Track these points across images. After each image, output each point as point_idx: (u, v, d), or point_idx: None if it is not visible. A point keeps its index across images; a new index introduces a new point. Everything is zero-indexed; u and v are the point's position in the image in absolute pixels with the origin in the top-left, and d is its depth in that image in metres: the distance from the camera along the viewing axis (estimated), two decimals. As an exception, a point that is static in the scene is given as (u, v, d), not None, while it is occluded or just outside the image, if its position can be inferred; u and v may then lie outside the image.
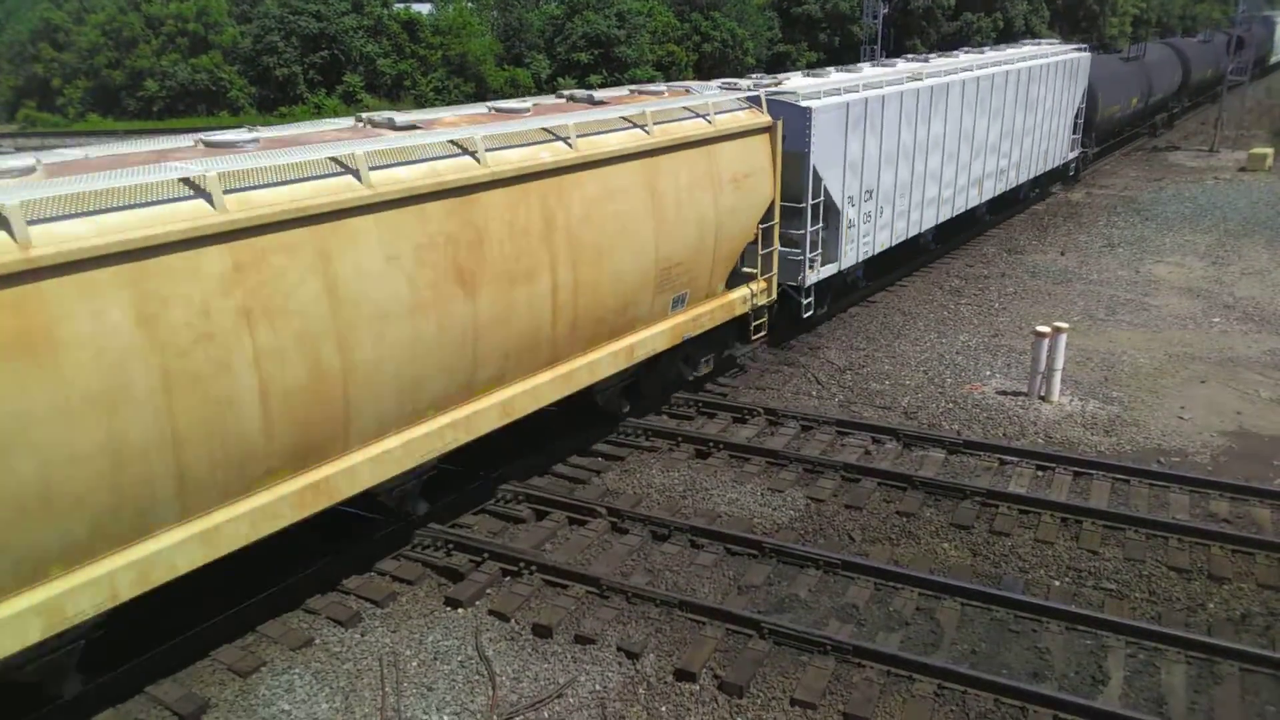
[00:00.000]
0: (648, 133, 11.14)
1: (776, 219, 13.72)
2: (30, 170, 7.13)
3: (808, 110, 14.31)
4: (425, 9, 54.65)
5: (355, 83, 48.65)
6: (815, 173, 14.69)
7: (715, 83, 14.48)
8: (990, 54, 23.72)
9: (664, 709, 7.76)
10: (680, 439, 12.44)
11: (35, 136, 45.40)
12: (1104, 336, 16.19)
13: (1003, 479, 11.34)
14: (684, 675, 8.06)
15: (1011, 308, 17.87)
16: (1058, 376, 13.41)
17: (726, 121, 12.45)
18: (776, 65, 52.11)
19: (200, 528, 7.49)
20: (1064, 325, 13.35)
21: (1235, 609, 8.89)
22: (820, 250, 15.43)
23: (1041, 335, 13.25)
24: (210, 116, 48.31)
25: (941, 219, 19.86)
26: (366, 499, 9.07)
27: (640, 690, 7.96)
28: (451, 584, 9.43)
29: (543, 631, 8.66)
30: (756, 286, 13.79)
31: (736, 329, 14.03)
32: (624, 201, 10.83)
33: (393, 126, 9.49)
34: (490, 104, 11.36)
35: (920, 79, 17.90)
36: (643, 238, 11.18)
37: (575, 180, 10.16)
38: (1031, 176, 24.95)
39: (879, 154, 16.42)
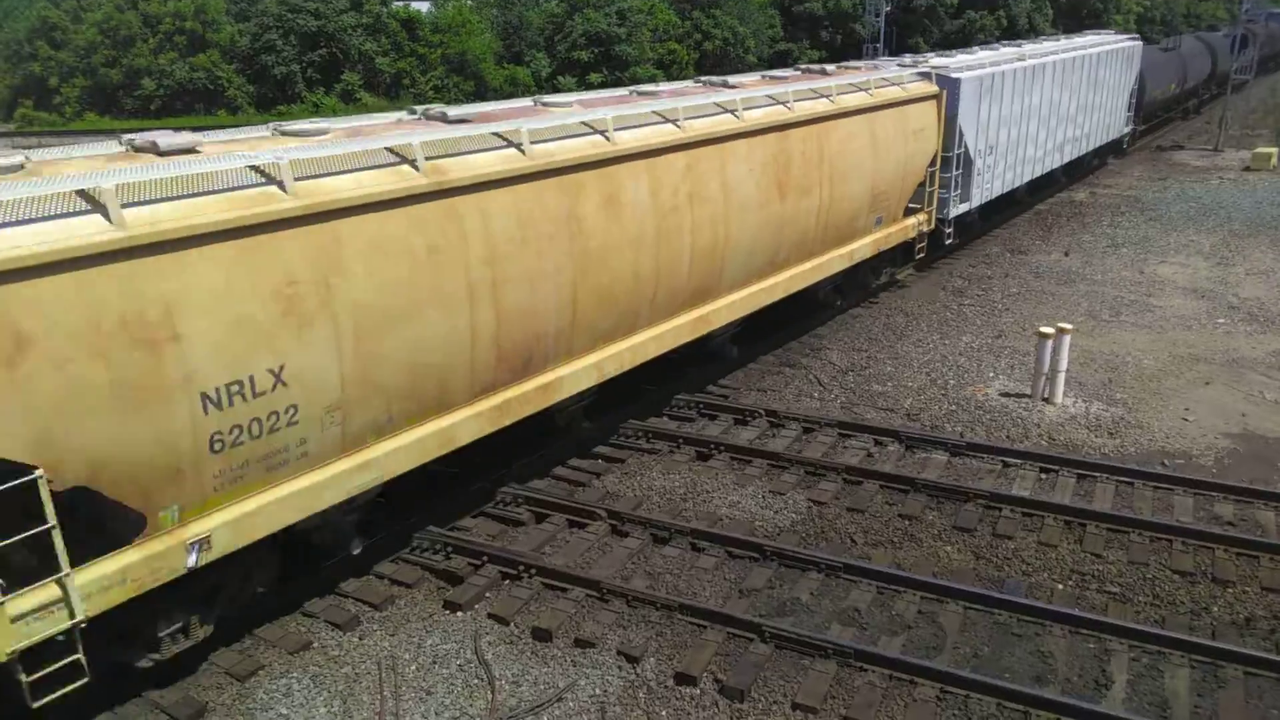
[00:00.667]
0: (870, 95, 15.55)
1: (938, 165, 18.00)
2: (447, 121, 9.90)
3: (958, 81, 18.60)
4: (424, 7, 54.53)
5: (354, 81, 48.58)
6: (960, 130, 18.91)
7: (894, 60, 20.18)
8: (1063, 41, 29.23)
9: (664, 713, 7.70)
10: (681, 441, 12.38)
11: (32, 136, 45.33)
12: (1108, 338, 16.12)
13: (1006, 482, 11.27)
14: (685, 679, 8.00)
15: (1015, 308, 17.80)
16: (1061, 378, 13.34)
17: (914, 89, 17.18)
18: (778, 63, 52.01)
19: (655, 332, 11.84)
20: (1068, 326, 13.28)
21: (1239, 612, 8.83)
22: (959, 190, 19.63)
23: (1045, 336, 13.18)
24: (208, 115, 48.25)
25: (1035, 175, 24.49)
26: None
27: (640, 694, 7.90)
28: (450, 587, 9.37)
29: (542, 635, 8.60)
30: (922, 217, 18.18)
31: (901, 253, 18.46)
32: (857, 143, 15.14)
33: (727, 85, 13.92)
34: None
35: (1024, 60, 22.21)
36: (865, 169, 15.56)
37: (834, 125, 14.49)
38: (1095, 147, 29.55)
39: (999, 117, 20.75)
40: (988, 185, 21.06)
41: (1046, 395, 13.42)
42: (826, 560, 9.46)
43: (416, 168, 8.47)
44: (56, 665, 6.57)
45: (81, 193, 6.57)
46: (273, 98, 49.14)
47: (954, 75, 18.58)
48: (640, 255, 10.94)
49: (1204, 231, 23.34)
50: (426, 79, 49.64)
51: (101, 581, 6.82)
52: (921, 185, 17.78)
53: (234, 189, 7.28)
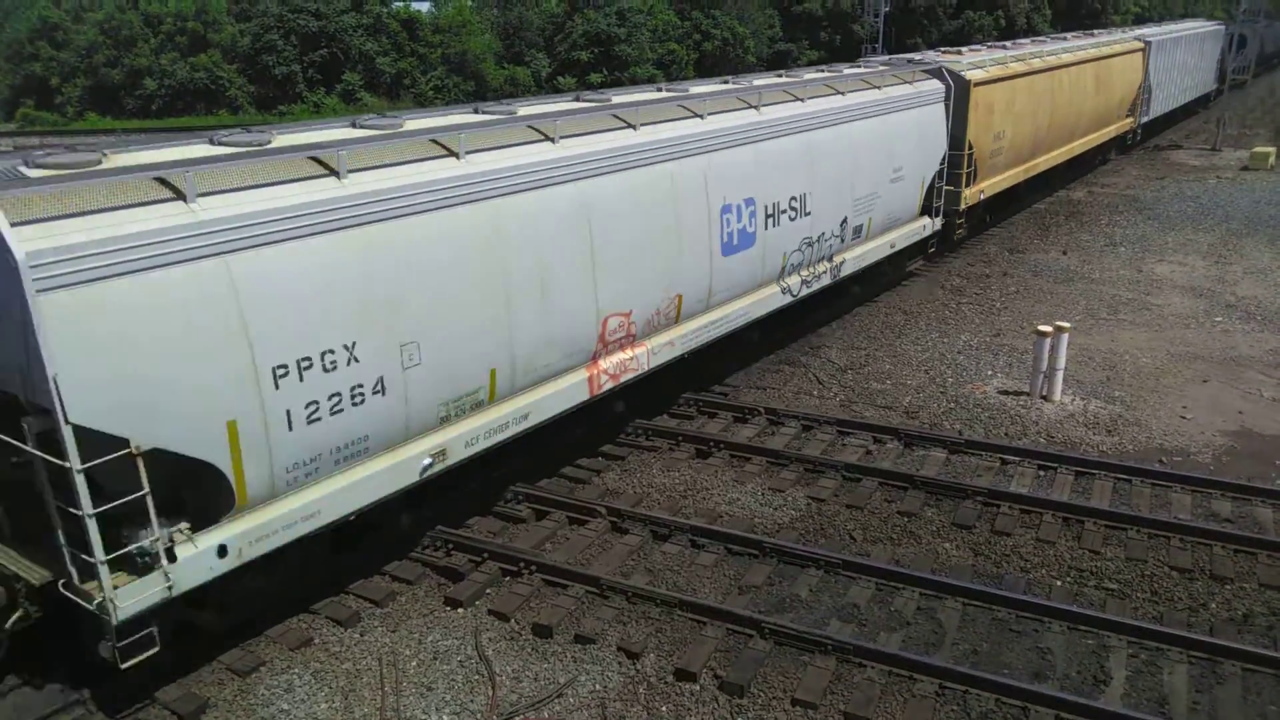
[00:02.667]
0: (1100, 49, 28.58)
1: (1140, 90, 32.30)
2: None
3: (1151, 44, 33.23)
4: (425, 7, 54.58)
5: (354, 81, 48.62)
6: (1149, 73, 33.68)
7: (1105, 32, 35.36)
8: (1176, 25, 45.85)
9: (664, 709, 7.73)
10: (681, 438, 12.41)
11: (34, 135, 45.36)
12: (1106, 336, 16.16)
13: (1004, 479, 11.31)
14: (684, 675, 8.03)
15: (1013, 307, 17.84)
16: (1059, 376, 13.38)
17: (1119, 47, 30.76)
18: (777, 63, 52.04)
19: (1058, 152, 27.11)
20: (1066, 324, 13.32)
21: (1237, 609, 8.86)
22: (1146, 108, 33.62)
23: (1043, 334, 13.22)
24: (209, 115, 48.30)
25: (1182, 103, 41.45)
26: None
27: (640, 690, 7.94)
28: (451, 584, 9.40)
29: (543, 631, 8.64)
30: (1129, 120, 33.03)
31: (1116, 145, 34.22)
32: (1111, 71, 29.29)
33: (1064, 39, 30.55)
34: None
35: (1187, 31, 40.07)
36: (1115, 86, 30.29)
37: (1104, 64, 28.51)
38: (1190, 99, 43.05)
39: (1172, 65, 38.50)
40: (1159, 105, 36.19)
41: (1045, 393, 13.46)
42: (826, 557, 9.49)
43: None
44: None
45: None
46: (274, 98, 49.20)
47: (1150, 39, 33.23)
48: (1055, 112, 24.73)
49: (1202, 230, 23.38)
50: (427, 79, 49.68)
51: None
52: (1134, 101, 33.00)
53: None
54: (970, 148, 19.73)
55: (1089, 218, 25.22)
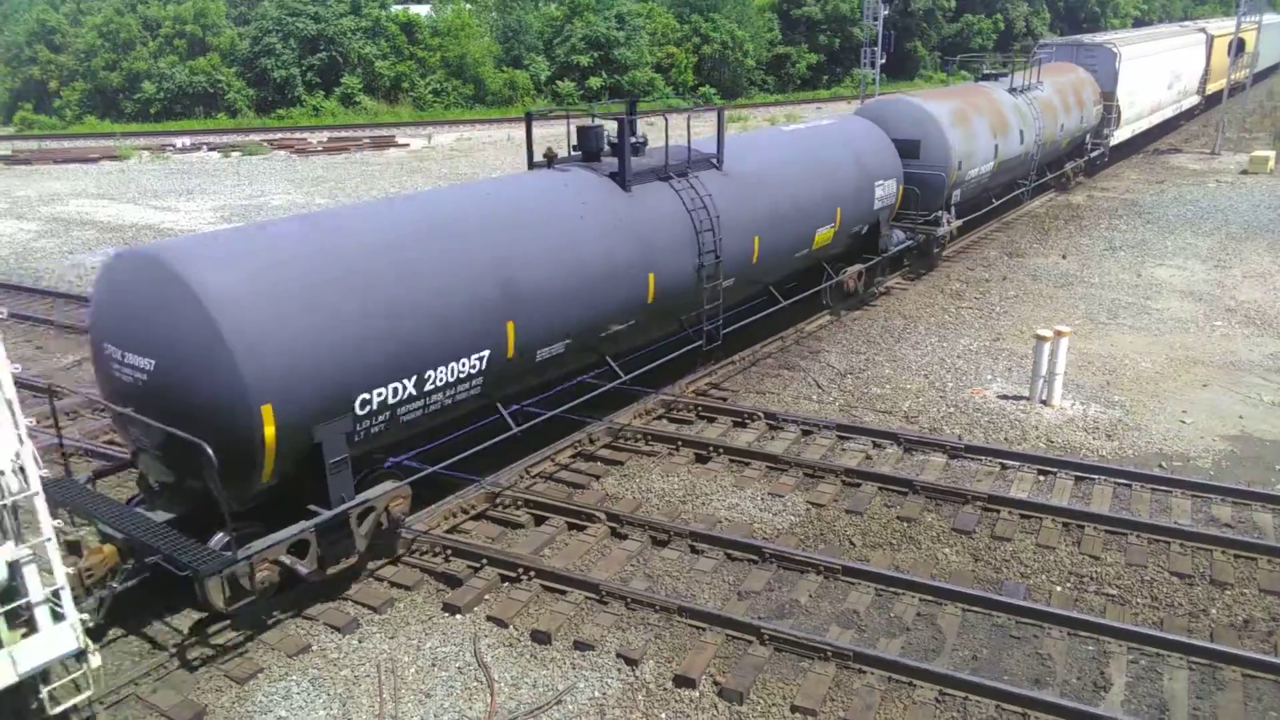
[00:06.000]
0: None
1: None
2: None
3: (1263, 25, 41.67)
4: (424, 10, 54.55)
5: (353, 84, 48.62)
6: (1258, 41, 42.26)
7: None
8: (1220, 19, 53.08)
9: (664, 715, 7.71)
10: (680, 443, 12.39)
11: (32, 139, 45.33)
12: (1105, 340, 16.15)
13: (1004, 484, 11.29)
14: (684, 682, 8.01)
15: (1013, 311, 17.84)
16: (1059, 380, 13.37)
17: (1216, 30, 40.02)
18: (777, 67, 52.07)
19: None
20: (1065, 329, 13.31)
21: (1238, 614, 8.84)
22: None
23: (1043, 339, 13.21)
24: (208, 118, 48.29)
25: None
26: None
27: (640, 697, 7.91)
28: (450, 590, 9.37)
29: (541, 637, 8.61)
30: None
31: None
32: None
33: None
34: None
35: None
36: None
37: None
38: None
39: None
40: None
41: (1044, 397, 13.45)
42: (825, 562, 9.47)
43: None
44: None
45: None
46: (272, 101, 49.20)
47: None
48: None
49: (1201, 235, 23.39)
50: (425, 82, 49.67)
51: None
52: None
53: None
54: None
55: (1088, 222, 25.23)
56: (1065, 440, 12.44)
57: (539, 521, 10.62)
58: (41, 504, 6.43)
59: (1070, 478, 11.32)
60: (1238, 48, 41.28)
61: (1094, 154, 29.75)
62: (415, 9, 53.83)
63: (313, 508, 8.60)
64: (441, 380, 9.28)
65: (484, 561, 9.64)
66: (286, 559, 8.34)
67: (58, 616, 6.54)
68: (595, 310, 11.04)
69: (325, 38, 48.42)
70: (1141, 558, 9.68)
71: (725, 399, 13.89)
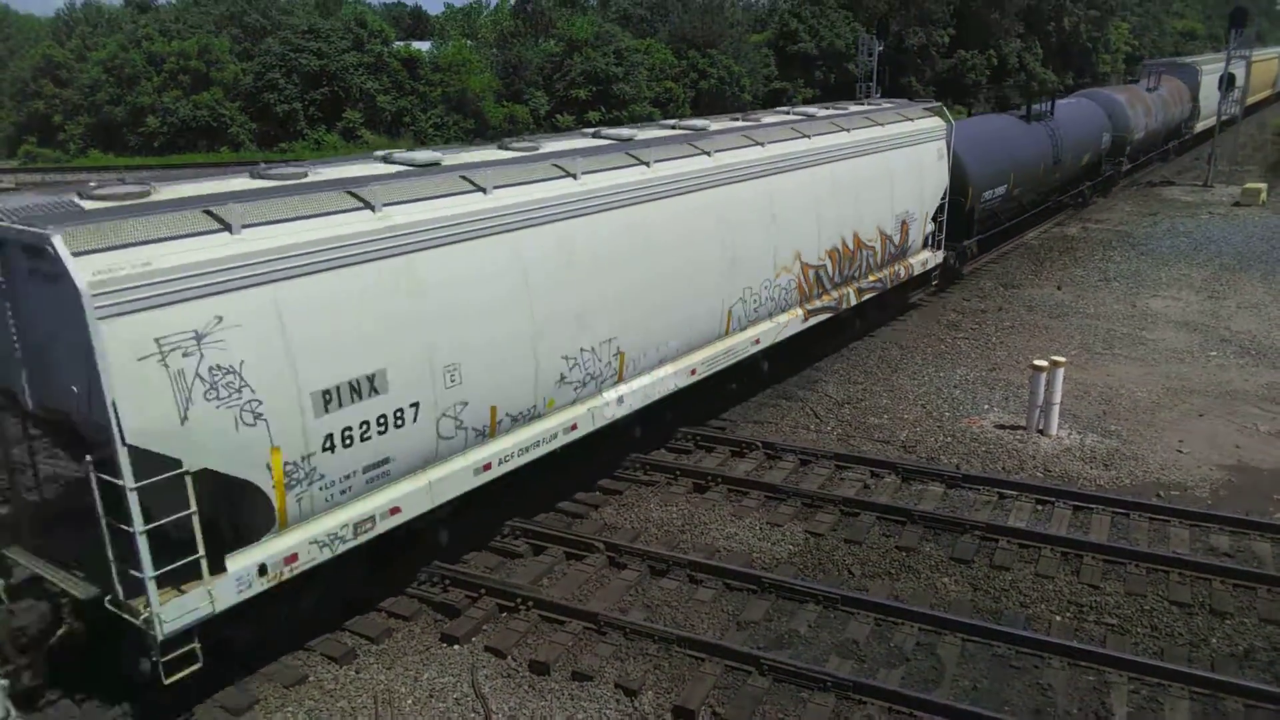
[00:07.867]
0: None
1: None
2: None
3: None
4: (425, 46, 55.24)
5: (355, 119, 49.09)
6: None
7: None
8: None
9: (662, 747, 7.65)
10: (678, 473, 12.40)
11: (36, 172, 45.70)
12: (1101, 370, 16.22)
13: (1002, 513, 11.29)
14: (683, 713, 7.96)
15: (1009, 341, 17.92)
16: (1056, 410, 13.41)
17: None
18: (773, 101, 52.66)
19: None
20: (1061, 359, 13.38)
21: (1238, 644, 8.82)
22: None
23: (1039, 369, 13.27)
24: (211, 152, 48.68)
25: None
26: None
27: (638, 728, 7.85)
28: (448, 620, 9.34)
29: (540, 668, 8.57)
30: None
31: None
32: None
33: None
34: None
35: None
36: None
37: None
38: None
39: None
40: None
41: (1041, 427, 13.48)
42: (824, 592, 9.45)
43: None
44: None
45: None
46: (275, 135, 49.63)
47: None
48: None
49: (1195, 266, 23.56)
50: (427, 117, 50.18)
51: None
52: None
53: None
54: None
55: (1083, 253, 25.42)
56: (1062, 469, 12.45)
57: (537, 551, 10.61)
58: None
59: (1068, 507, 11.33)
60: (1228, 82, 41.75)
61: (1185, 136, 45.28)
62: (417, 45, 54.53)
63: None
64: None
65: (482, 591, 9.62)
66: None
67: None
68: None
69: (328, 73, 48.99)
70: (1141, 587, 9.67)
71: (723, 429, 13.91)
